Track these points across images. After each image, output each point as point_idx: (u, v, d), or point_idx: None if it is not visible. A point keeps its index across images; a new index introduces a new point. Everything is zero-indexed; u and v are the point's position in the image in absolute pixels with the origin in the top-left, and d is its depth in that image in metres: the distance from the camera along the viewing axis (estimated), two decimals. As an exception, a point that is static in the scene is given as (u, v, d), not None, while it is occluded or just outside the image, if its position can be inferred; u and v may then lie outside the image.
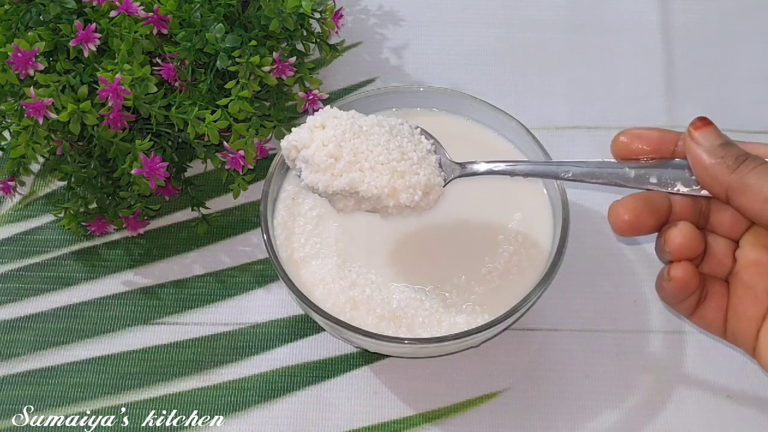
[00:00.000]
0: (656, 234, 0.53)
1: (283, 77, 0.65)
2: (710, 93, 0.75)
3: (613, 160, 0.55)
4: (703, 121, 0.52)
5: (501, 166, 0.58)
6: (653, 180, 0.53)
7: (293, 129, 0.59)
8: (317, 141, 0.57)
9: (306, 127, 0.58)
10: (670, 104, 0.74)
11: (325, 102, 0.67)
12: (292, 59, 0.65)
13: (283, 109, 0.69)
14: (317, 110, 0.66)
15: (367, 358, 0.63)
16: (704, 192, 0.52)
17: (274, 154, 0.64)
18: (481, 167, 0.59)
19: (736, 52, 0.77)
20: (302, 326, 0.65)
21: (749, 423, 0.61)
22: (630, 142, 0.54)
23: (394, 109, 0.67)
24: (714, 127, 0.52)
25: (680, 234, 0.51)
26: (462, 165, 0.59)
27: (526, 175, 0.58)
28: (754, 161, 0.50)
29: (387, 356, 0.63)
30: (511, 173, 0.58)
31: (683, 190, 0.53)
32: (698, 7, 0.80)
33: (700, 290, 0.52)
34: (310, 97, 0.67)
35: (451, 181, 0.59)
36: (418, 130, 0.60)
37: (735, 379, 0.62)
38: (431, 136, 0.60)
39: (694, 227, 0.52)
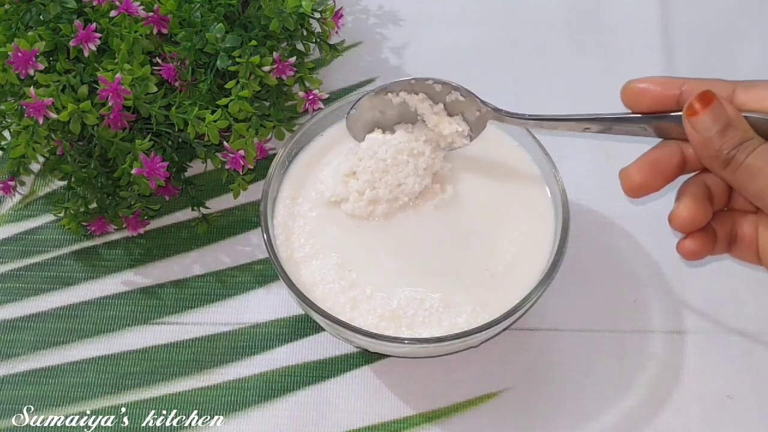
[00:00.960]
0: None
1: (283, 77, 0.65)
2: (710, 93, 0.75)
3: (626, 113, 0.56)
4: (701, 102, 0.51)
5: (532, 119, 0.61)
6: (670, 130, 0.54)
7: (324, 179, 0.64)
8: (353, 192, 0.62)
9: (339, 180, 0.63)
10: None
11: (325, 102, 0.67)
12: (292, 59, 0.65)
13: (283, 109, 0.69)
14: (317, 110, 0.66)
15: (367, 358, 0.63)
16: None
17: (274, 154, 0.64)
18: (514, 116, 0.62)
19: (736, 52, 0.77)
20: (302, 326, 0.65)
21: (749, 423, 0.61)
22: (642, 86, 0.55)
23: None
24: (711, 111, 0.51)
25: (685, 209, 0.53)
26: (495, 109, 0.62)
27: (555, 125, 0.60)
28: (744, 151, 0.50)
29: (387, 356, 0.63)
30: (545, 119, 0.60)
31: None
32: (698, 7, 0.80)
33: (729, 232, 0.54)
34: (310, 97, 0.67)
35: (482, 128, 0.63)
36: (432, 82, 0.63)
37: (735, 379, 0.62)
38: (453, 87, 0.63)
39: (698, 199, 0.53)
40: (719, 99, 0.51)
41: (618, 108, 0.73)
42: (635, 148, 0.72)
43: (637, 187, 0.55)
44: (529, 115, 0.61)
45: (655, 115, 0.55)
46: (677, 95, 0.54)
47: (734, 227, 0.55)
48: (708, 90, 0.52)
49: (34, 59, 0.59)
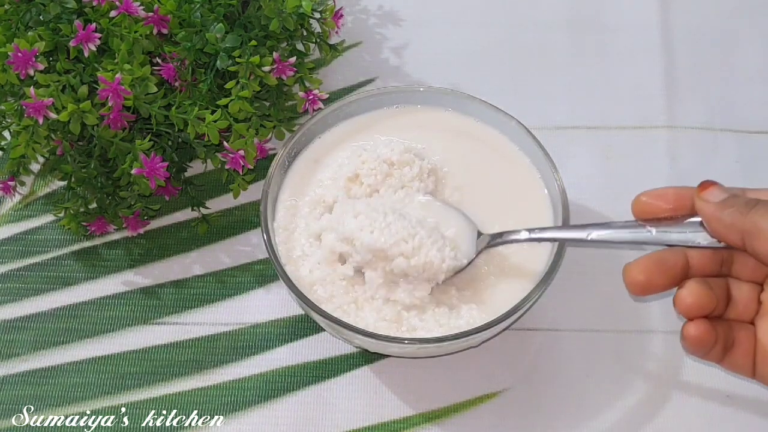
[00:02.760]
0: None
1: (283, 77, 0.65)
2: (710, 93, 0.75)
3: (633, 220, 0.55)
4: (708, 183, 0.53)
5: (524, 235, 0.59)
6: (674, 237, 0.54)
7: (324, 180, 0.64)
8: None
9: (341, 186, 0.63)
10: (670, 104, 0.74)
11: (325, 102, 0.67)
12: (292, 59, 0.65)
13: (283, 109, 0.69)
14: (317, 110, 0.66)
15: (367, 358, 0.63)
16: (723, 243, 0.53)
17: (274, 154, 0.64)
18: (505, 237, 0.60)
19: (736, 52, 0.77)
20: (302, 326, 0.65)
21: (748, 423, 0.61)
22: (651, 201, 0.55)
23: (395, 107, 0.67)
24: (719, 185, 0.53)
25: (690, 294, 0.52)
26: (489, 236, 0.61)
27: (551, 240, 0.60)
28: (765, 206, 0.50)
29: (387, 356, 0.63)
30: (538, 239, 0.60)
31: (703, 243, 0.53)
32: (698, 7, 0.80)
33: (725, 339, 0.53)
34: (310, 97, 0.67)
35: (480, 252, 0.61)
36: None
37: (734, 380, 0.62)
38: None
39: (704, 285, 0.52)
40: None
41: (620, 116, 0.74)
42: (635, 147, 0.73)
43: (641, 285, 0.54)
44: (519, 235, 0.60)
45: (666, 221, 0.55)
46: (690, 206, 0.54)
47: (731, 334, 0.54)
48: (708, 179, 0.53)
49: (34, 59, 0.59)
